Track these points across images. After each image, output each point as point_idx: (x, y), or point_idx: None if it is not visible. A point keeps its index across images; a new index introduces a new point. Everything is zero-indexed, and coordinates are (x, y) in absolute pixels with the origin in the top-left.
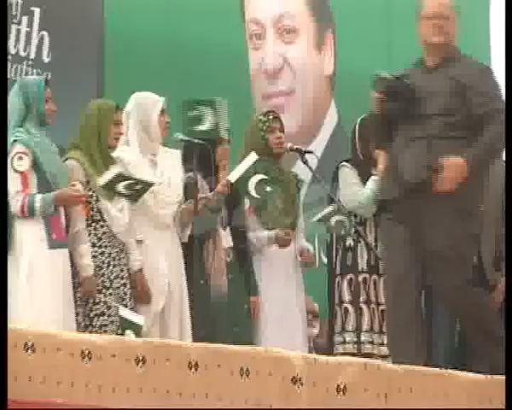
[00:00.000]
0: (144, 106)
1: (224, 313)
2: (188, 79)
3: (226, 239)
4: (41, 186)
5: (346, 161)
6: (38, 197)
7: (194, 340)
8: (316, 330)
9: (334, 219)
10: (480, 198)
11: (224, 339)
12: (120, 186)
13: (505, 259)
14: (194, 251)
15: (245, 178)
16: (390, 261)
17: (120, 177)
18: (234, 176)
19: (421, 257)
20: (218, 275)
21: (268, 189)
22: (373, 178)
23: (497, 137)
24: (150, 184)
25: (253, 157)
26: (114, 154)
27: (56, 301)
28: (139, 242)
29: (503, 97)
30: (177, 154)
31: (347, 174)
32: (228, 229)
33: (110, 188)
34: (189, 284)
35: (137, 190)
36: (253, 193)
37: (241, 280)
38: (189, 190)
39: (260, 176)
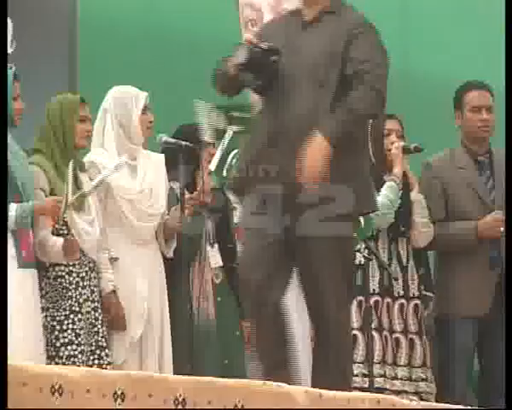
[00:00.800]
0: (123, 102)
1: (212, 341)
2: (174, 74)
3: (214, 258)
4: (11, 195)
5: None
6: (14, 207)
7: (176, 374)
8: None
9: None
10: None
11: (212, 374)
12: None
13: (505, 258)
14: (177, 271)
15: (224, 161)
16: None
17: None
18: (213, 163)
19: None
20: (206, 298)
21: (234, 161)
22: (388, 183)
23: (360, 102)
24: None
25: (229, 133)
26: (87, 157)
27: (24, 328)
28: (113, 259)
29: (384, 60)
30: (161, 158)
31: None
32: (216, 246)
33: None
34: (172, 309)
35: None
36: (225, 174)
37: (231, 304)
38: (173, 200)
39: (234, 127)
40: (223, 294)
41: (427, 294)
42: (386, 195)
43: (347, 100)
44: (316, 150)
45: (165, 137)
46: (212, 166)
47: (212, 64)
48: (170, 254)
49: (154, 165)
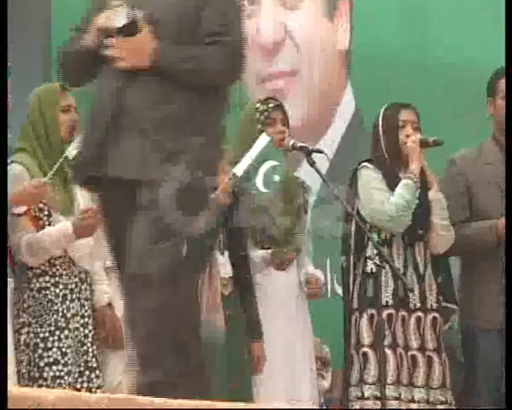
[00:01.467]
0: None
1: (217, 359)
2: None
3: (224, 267)
4: None
5: (367, 161)
6: None
7: None
8: (326, 383)
9: None
10: None
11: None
12: None
13: (505, 259)
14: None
15: (256, 169)
16: None
17: None
18: (241, 168)
19: None
20: (213, 310)
21: (277, 178)
22: (404, 181)
23: (212, 59)
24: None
25: (264, 140)
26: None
27: None
28: (108, 269)
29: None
30: None
31: (369, 178)
32: (226, 254)
33: None
34: None
35: None
36: (261, 187)
37: (241, 319)
38: None
39: (272, 162)
40: (232, 307)
41: (448, 305)
42: (402, 194)
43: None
44: None
45: None
46: (239, 171)
47: None
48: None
49: None
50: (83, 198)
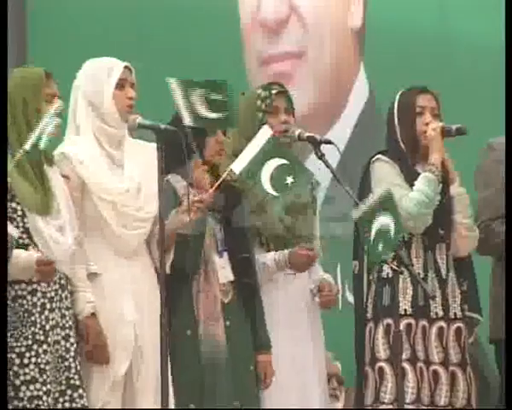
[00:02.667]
0: (94, 75)
1: (220, 377)
2: (154, 41)
3: (223, 271)
4: None
5: (383, 152)
6: None
7: None
8: (340, 404)
9: None
10: None
11: None
12: None
13: (505, 259)
14: (176, 288)
15: (255, 167)
16: None
17: None
18: (239, 164)
19: None
20: (212, 322)
21: (289, 180)
22: (424, 175)
23: None
24: None
25: (265, 133)
26: (59, 148)
27: None
28: (92, 275)
29: None
30: (151, 148)
31: (385, 173)
32: (225, 256)
33: None
34: (170, 336)
35: None
36: (269, 188)
37: (243, 330)
38: (168, 197)
39: (278, 161)
40: (234, 316)
41: (473, 316)
42: (423, 190)
43: None
44: None
45: (139, 119)
46: (237, 168)
47: (201, 25)
48: (166, 270)
49: (143, 156)
50: (62, 198)
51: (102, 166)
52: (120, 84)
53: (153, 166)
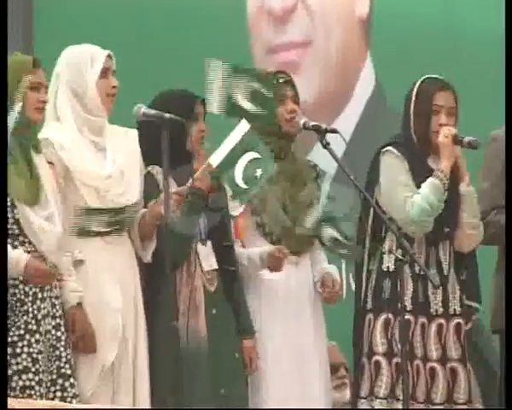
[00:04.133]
0: (76, 63)
1: (204, 367)
2: (152, 28)
3: (207, 259)
4: None
5: (391, 144)
6: None
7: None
8: (349, 391)
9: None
10: None
11: (207, 406)
12: None
13: (505, 259)
14: (158, 277)
15: (233, 160)
16: None
17: None
18: (217, 157)
19: None
20: (196, 312)
21: (259, 173)
22: (431, 180)
23: None
24: None
25: (243, 127)
26: (41, 134)
27: None
28: (78, 263)
29: None
30: (133, 135)
31: (393, 168)
32: (209, 244)
33: None
34: (152, 326)
35: None
36: (240, 182)
37: (230, 317)
38: (150, 189)
39: (251, 154)
40: (218, 305)
41: (472, 304)
42: (427, 196)
43: None
44: None
45: (143, 109)
46: (214, 161)
47: (206, 13)
48: (147, 259)
49: (124, 143)
50: (49, 186)
51: (85, 151)
52: (103, 73)
53: (135, 153)
